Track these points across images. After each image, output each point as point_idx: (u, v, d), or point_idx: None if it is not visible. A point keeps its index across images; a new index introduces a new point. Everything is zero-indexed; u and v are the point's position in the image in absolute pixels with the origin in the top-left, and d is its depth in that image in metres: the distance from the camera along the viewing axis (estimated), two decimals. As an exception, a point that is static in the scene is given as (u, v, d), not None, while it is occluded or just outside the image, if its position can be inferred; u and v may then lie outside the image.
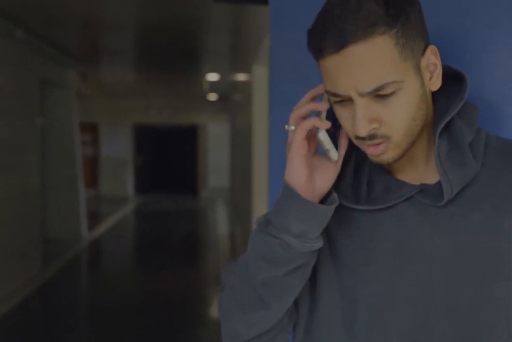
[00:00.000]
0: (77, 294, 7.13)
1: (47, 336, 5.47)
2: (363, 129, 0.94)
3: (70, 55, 8.82)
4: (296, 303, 1.12)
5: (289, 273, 1.03)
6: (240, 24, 6.44)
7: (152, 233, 11.53)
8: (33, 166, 7.71)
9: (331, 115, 1.05)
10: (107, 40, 7.75)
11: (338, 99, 0.96)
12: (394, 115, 0.94)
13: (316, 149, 1.05)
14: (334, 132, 1.06)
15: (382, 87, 0.92)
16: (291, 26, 1.39)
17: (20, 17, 6.32)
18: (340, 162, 1.04)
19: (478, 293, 0.99)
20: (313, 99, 1.03)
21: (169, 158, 19.89)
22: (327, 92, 0.97)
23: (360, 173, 1.09)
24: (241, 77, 9.51)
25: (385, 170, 1.08)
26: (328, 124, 0.99)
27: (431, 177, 1.05)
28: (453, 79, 1.07)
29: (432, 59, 0.98)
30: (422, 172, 1.05)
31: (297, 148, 0.99)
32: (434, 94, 1.04)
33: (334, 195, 1.03)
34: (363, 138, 0.97)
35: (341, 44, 0.90)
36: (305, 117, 1.02)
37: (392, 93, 0.93)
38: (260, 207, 6.44)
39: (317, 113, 1.04)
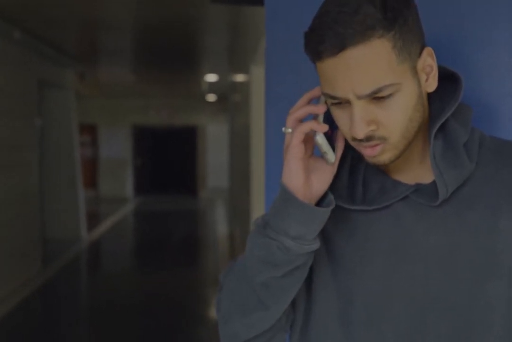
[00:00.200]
0: (77, 294, 7.13)
1: (47, 337, 5.47)
2: (361, 132, 0.95)
3: (68, 55, 8.83)
4: (293, 303, 1.13)
5: (287, 274, 1.03)
6: (238, 25, 6.44)
7: (152, 233, 11.54)
8: (32, 166, 7.71)
9: (327, 117, 1.05)
10: (105, 40, 7.76)
11: (336, 101, 0.97)
12: (391, 117, 0.95)
13: (313, 151, 1.05)
14: (331, 135, 1.06)
15: (380, 90, 0.92)
16: (287, 27, 1.39)
17: (18, 17, 6.32)
18: (336, 164, 1.05)
19: (473, 293, 1.00)
20: (310, 101, 1.04)
21: (168, 159, 19.88)
22: (325, 94, 0.97)
23: (356, 173, 1.10)
24: (239, 78, 9.51)
25: (381, 170, 1.09)
26: (325, 128, 0.99)
27: (426, 177, 1.05)
28: (448, 80, 1.08)
29: (428, 61, 0.99)
30: (417, 172, 1.06)
31: (294, 152, 0.99)
32: (429, 95, 1.05)
33: (331, 197, 1.04)
34: (360, 140, 0.97)
35: (339, 48, 0.91)
36: (302, 120, 1.03)
37: (389, 96, 0.94)
38: (258, 207, 6.44)
39: (314, 116, 1.04)
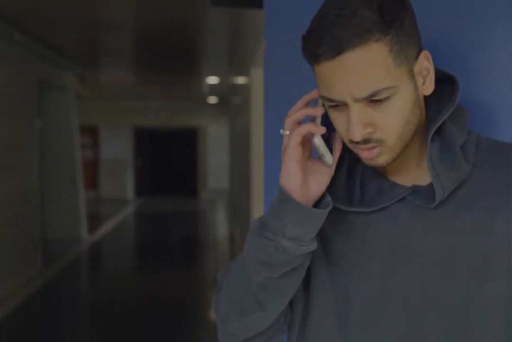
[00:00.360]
0: (77, 294, 7.14)
1: (48, 337, 5.47)
2: (357, 134, 0.95)
3: (68, 57, 8.84)
4: (291, 303, 1.13)
5: (284, 275, 1.04)
6: (238, 27, 6.45)
7: (152, 234, 11.54)
8: (32, 166, 7.72)
9: (325, 120, 1.06)
10: (105, 41, 7.76)
11: (333, 104, 0.98)
12: (388, 120, 0.96)
13: (310, 153, 1.06)
14: (329, 137, 1.07)
15: (376, 93, 0.93)
16: (286, 29, 1.40)
17: (17, 19, 6.33)
18: (334, 166, 1.05)
19: (470, 294, 1.01)
20: (308, 104, 1.05)
21: (169, 160, 19.88)
22: (322, 97, 0.98)
23: (353, 175, 1.10)
24: (240, 80, 9.52)
25: (378, 172, 1.09)
26: (323, 130, 1.00)
27: (423, 179, 1.06)
28: (445, 82, 1.09)
29: (425, 64, 1.00)
30: (414, 174, 1.07)
31: (292, 154, 1.00)
32: (426, 98, 1.05)
33: (328, 198, 1.04)
34: (357, 143, 0.98)
35: (337, 51, 0.91)
36: (300, 122, 1.03)
37: (386, 99, 0.95)
38: (258, 208, 6.45)
39: (312, 118, 1.05)
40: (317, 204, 1.06)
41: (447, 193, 1.01)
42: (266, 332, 1.12)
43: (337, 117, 0.99)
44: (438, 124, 1.01)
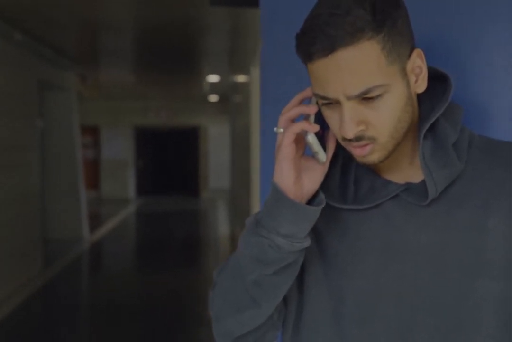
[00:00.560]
0: (78, 294, 7.15)
1: (48, 337, 5.49)
2: (350, 132, 0.96)
3: (68, 57, 8.85)
4: (285, 300, 1.14)
5: (278, 272, 1.05)
6: (238, 26, 6.46)
7: (153, 234, 11.55)
8: (33, 166, 7.73)
9: (319, 118, 1.07)
10: (106, 41, 7.77)
11: (326, 101, 0.98)
12: (380, 117, 0.97)
13: (304, 151, 1.07)
14: (322, 134, 1.07)
15: (369, 91, 0.94)
16: (282, 28, 1.40)
17: (18, 19, 6.34)
18: (327, 164, 1.06)
19: (463, 291, 1.01)
20: (301, 102, 1.06)
21: (170, 160, 19.90)
22: (316, 95, 0.99)
23: (347, 173, 1.11)
24: (241, 78, 9.53)
25: (371, 169, 1.10)
26: (316, 128, 1.01)
27: (416, 176, 1.07)
28: (438, 80, 1.09)
29: (417, 62, 1.01)
30: (407, 171, 1.08)
31: (286, 151, 1.01)
32: (419, 95, 1.06)
33: (322, 195, 1.05)
34: (350, 140, 0.99)
35: (329, 49, 0.92)
36: (293, 120, 1.04)
37: (378, 96, 0.95)
38: (259, 207, 6.45)
39: (306, 116, 1.06)
40: (311, 201, 1.06)
41: (439, 190, 1.02)
42: (260, 328, 1.13)
43: (330, 115, 1.00)
44: (431, 122, 1.01)
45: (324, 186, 1.09)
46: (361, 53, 0.92)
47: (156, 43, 7.67)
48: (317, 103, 1.03)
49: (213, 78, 11.22)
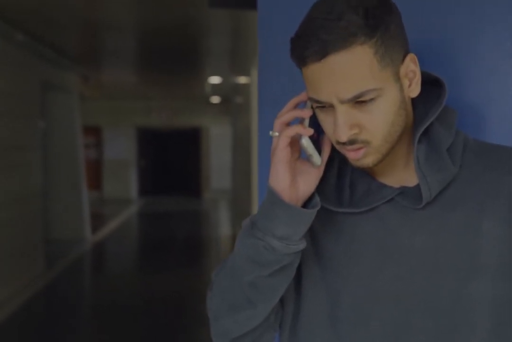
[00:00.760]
0: (80, 295, 7.16)
1: (50, 337, 5.50)
2: (343, 135, 0.97)
3: (69, 57, 8.86)
4: (282, 301, 1.15)
5: (274, 274, 1.05)
6: (239, 28, 6.47)
7: (155, 234, 11.56)
8: (34, 166, 7.74)
9: (314, 121, 1.08)
10: (107, 42, 7.78)
11: (320, 105, 0.99)
12: (374, 121, 0.98)
13: (299, 154, 1.07)
14: (317, 138, 1.08)
15: (362, 94, 0.95)
16: (279, 31, 1.41)
17: (18, 19, 6.35)
18: (322, 167, 1.07)
19: (458, 294, 1.01)
20: (297, 106, 1.07)
21: (172, 160, 19.91)
22: (310, 99, 1.00)
23: (343, 176, 1.12)
24: (242, 80, 9.54)
25: (366, 173, 1.10)
26: (310, 132, 1.02)
27: (411, 180, 1.07)
28: (432, 85, 1.10)
29: (411, 67, 1.01)
30: (402, 175, 1.08)
31: (281, 155, 1.02)
32: (413, 100, 1.07)
33: (317, 198, 1.06)
34: (344, 143, 1.00)
35: (322, 54, 0.94)
36: (289, 124, 1.05)
37: (371, 100, 0.96)
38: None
39: (301, 120, 1.06)
40: (306, 204, 1.07)
41: (433, 194, 1.02)
42: (257, 329, 1.14)
43: (324, 119, 1.01)
44: (425, 126, 1.02)
45: (320, 189, 1.10)
46: (353, 58, 0.93)
47: (157, 43, 7.67)
48: (311, 107, 1.04)
49: (214, 79, 11.23)
